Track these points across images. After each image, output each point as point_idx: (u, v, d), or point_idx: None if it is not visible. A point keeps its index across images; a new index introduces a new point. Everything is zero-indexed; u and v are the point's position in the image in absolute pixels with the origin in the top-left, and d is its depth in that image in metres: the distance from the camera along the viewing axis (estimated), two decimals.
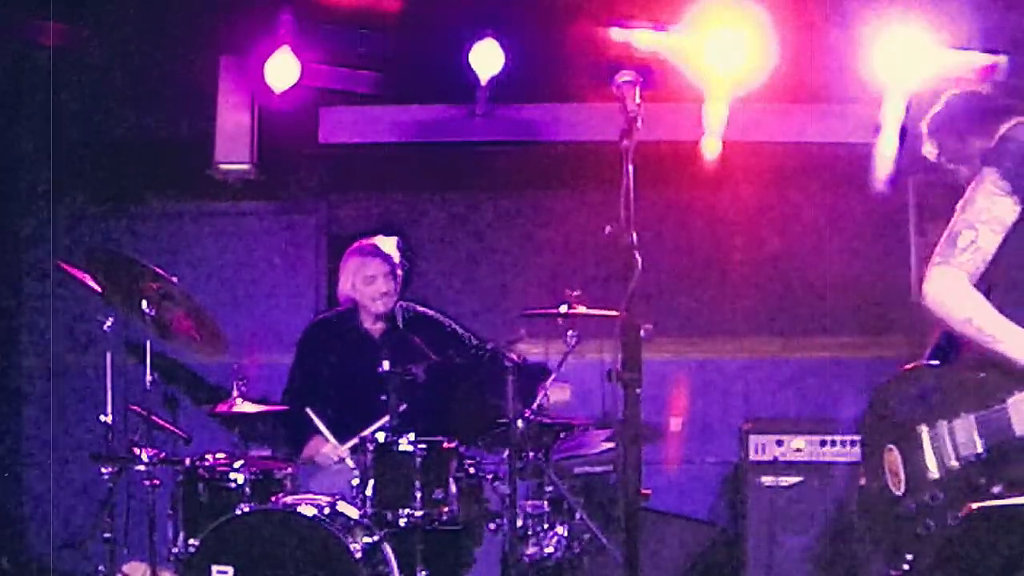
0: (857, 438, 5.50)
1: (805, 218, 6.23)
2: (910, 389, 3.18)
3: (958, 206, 3.12)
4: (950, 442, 3.05)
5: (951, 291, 3.07)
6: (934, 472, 3.07)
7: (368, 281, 5.40)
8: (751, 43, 5.28)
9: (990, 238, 3.06)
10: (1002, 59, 5.17)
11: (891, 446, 3.16)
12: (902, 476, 3.12)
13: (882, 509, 3.19)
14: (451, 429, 5.07)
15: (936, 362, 3.24)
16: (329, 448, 5.15)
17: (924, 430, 3.11)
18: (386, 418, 4.90)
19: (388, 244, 5.50)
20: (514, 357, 4.93)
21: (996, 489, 2.98)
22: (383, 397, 5.05)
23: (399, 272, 5.47)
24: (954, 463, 3.04)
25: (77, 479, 6.09)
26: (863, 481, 3.30)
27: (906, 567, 3.10)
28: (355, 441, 5.01)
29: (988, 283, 3.10)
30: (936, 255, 3.13)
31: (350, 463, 4.99)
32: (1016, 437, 2.95)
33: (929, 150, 3.43)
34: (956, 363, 3.16)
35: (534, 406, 4.97)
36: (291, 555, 4.49)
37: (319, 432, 5.21)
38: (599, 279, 5.54)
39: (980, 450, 2.99)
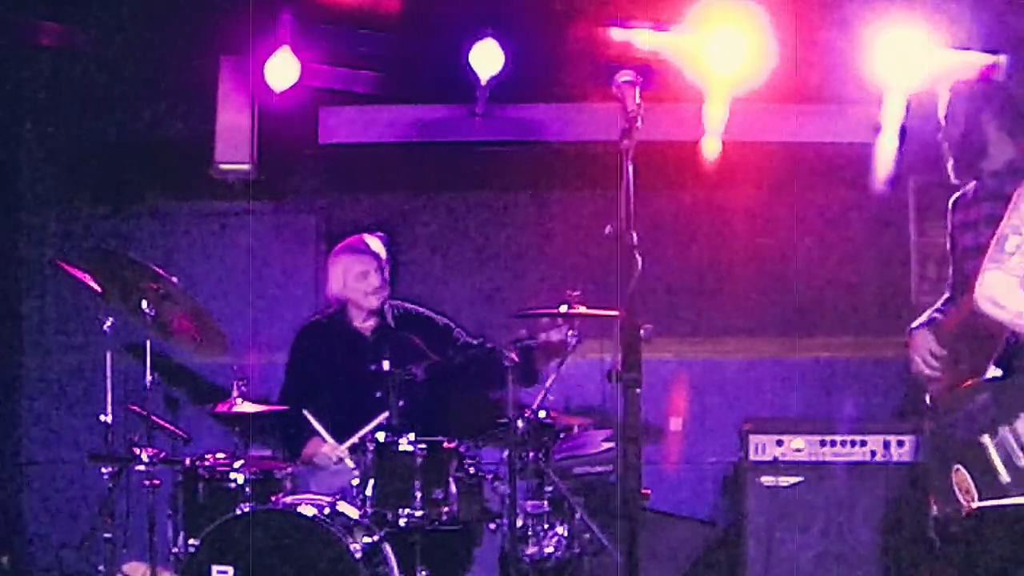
0: (858, 438, 5.55)
1: (805, 218, 6.23)
2: (966, 406, 3.28)
3: (1006, 213, 3.27)
4: (1016, 443, 3.15)
5: (1001, 291, 3.22)
6: (1004, 476, 3.17)
7: (360, 277, 5.41)
8: (751, 43, 5.28)
9: None
10: (1002, 59, 5.17)
11: (957, 467, 3.26)
12: (974, 490, 3.21)
13: (963, 528, 3.28)
14: (449, 428, 5.07)
15: (996, 374, 3.34)
16: (328, 448, 5.15)
17: (987, 439, 3.20)
18: (383, 416, 4.91)
19: (375, 242, 5.51)
20: (514, 357, 4.93)
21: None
22: (377, 395, 5.06)
23: (387, 268, 5.48)
24: (1023, 462, 3.14)
25: (77, 479, 6.09)
26: (935, 511, 3.37)
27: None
28: (353, 441, 5.01)
29: None
30: (987, 261, 3.28)
31: (349, 463, 4.99)
32: None
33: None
34: (1007, 372, 3.28)
35: (534, 406, 4.96)
36: (291, 555, 4.49)
37: (317, 433, 5.21)
38: (599, 279, 5.53)
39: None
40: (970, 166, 4.20)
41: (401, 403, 4.92)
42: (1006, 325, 3.23)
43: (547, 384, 5.16)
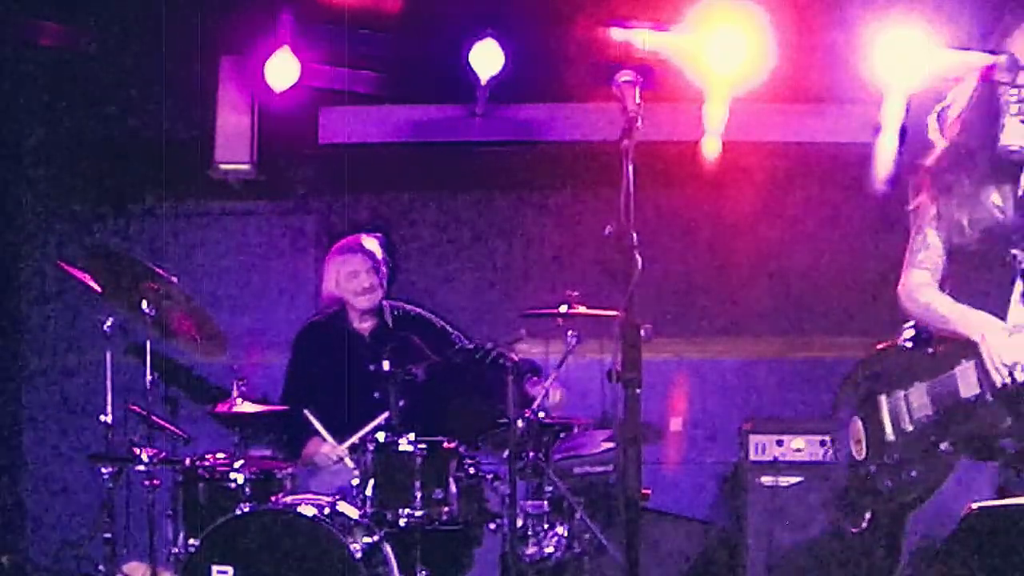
0: None
1: (805, 218, 6.23)
2: (875, 367, 3.60)
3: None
4: (905, 407, 3.43)
5: (918, 288, 3.51)
6: (890, 435, 3.45)
7: (350, 277, 5.40)
8: (751, 43, 5.28)
9: (934, 236, 3.50)
10: (1002, 59, 5.16)
11: (855, 417, 3.57)
12: (864, 442, 3.51)
13: (849, 474, 3.57)
14: (449, 430, 5.07)
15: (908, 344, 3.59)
16: (328, 448, 5.15)
17: (883, 399, 3.50)
18: (382, 416, 4.91)
19: (370, 242, 5.50)
20: (514, 357, 4.94)
21: (944, 446, 3.32)
22: (376, 395, 5.06)
23: (383, 269, 5.46)
24: (908, 426, 3.41)
25: (77, 479, 6.08)
26: (832, 452, 3.72)
27: (864, 524, 3.50)
28: (353, 440, 5.01)
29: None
30: (905, 261, 3.60)
31: (349, 463, 4.99)
32: (962, 399, 3.29)
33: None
34: (919, 344, 3.54)
35: (534, 406, 4.96)
36: (291, 555, 4.49)
37: (317, 433, 5.21)
38: (599, 279, 5.53)
39: (931, 412, 3.36)
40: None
41: (401, 403, 4.92)
42: (918, 319, 3.49)
43: (547, 384, 5.16)
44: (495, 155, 6.23)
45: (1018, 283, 3.31)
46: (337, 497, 4.75)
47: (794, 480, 5.53)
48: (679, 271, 6.29)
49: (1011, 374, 3.20)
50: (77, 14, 5.62)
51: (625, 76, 3.18)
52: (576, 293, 5.12)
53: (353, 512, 4.68)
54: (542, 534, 4.93)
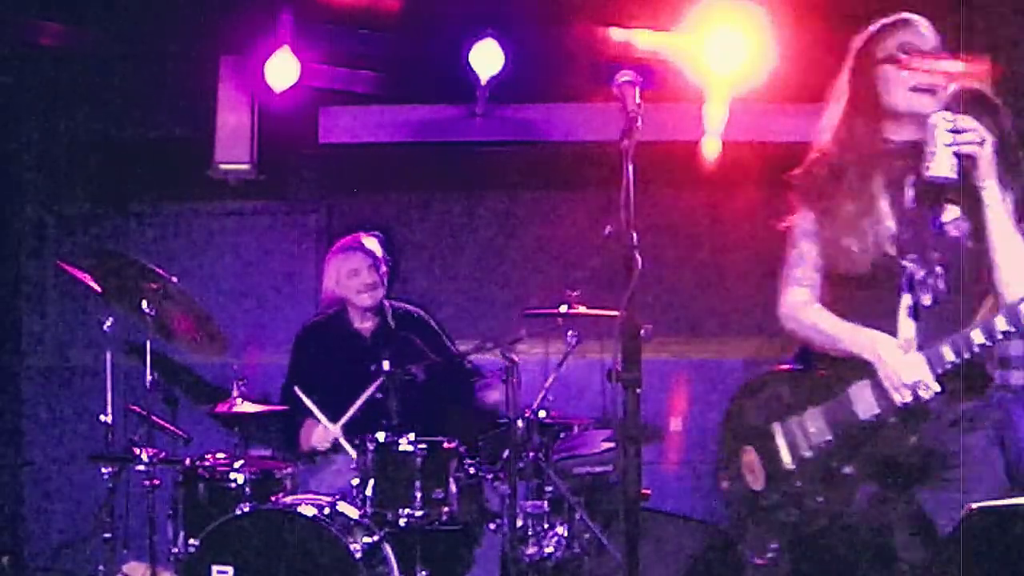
0: None
1: None
2: (761, 394, 3.44)
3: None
4: (801, 433, 3.30)
5: (799, 306, 3.37)
6: (789, 463, 3.32)
7: (351, 275, 5.40)
8: (751, 43, 5.28)
9: (811, 248, 3.36)
10: (1001, 60, 5.16)
11: (747, 447, 3.41)
12: (760, 472, 3.36)
13: (747, 505, 3.42)
14: (447, 430, 5.08)
15: (792, 367, 3.48)
16: (321, 431, 5.13)
17: (776, 426, 3.36)
18: (374, 386, 4.91)
19: (370, 241, 5.50)
20: (514, 357, 4.94)
21: (848, 470, 3.22)
22: (378, 395, 5.05)
23: (383, 267, 5.46)
24: (807, 452, 3.29)
25: (77, 479, 6.09)
26: (725, 484, 3.52)
27: (771, 555, 3.35)
28: (346, 418, 5.01)
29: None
30: (781, 279, 3.45)
31: (345, 444, 4.98)
32: (861, 421, 3.20)
33: None
34: (807, 367, 3.41)
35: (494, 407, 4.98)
36: (291, 555, 4.49)
37: (310, 417, 5.19)
38: (599, 279, 5.53)
39: (829, 436, 3.25)
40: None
41: (401, 403, 4.92)
42: (803, 339, 3.38)
43: (547, 384, 5.16)
44: (495, 155, 6.24)
45: (905, 296, 3.22)
46: (337, 497, 4.75)
47: None
48: (679, 271, 6.29)
49: (914, 393, 3.12)
50: (77, 14, 5.62)
51: (625, 76, 3.18)
52: (576, 293, 5.12)
53: (353, 512, 4.68)
54: (542, 534, 4.93)
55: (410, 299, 5.71)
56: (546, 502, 4.99)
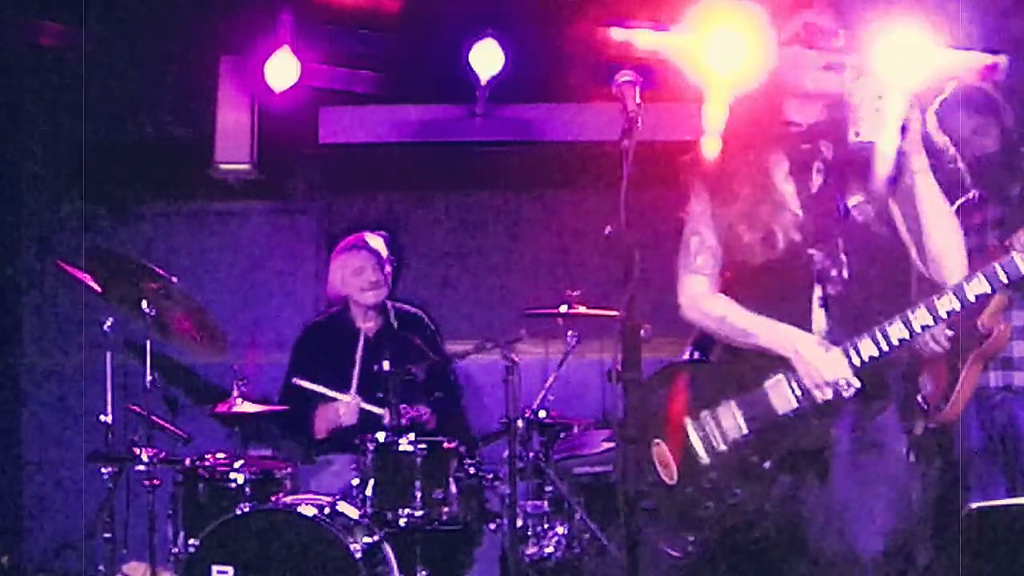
0: None
1: None
2: (667, 387, 3.32)
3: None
4: (716, 427, 3.21)
5: (701, 296, 3.27)
6: (704, 458, 3.21)
7: (357, 272, 5.40)
8: (751, 43, 5.27)
9: (711, 236, 3.26)
10: (1002, 59, 5.16)
11: (658, 441, 3.28)
12: (673, 467, 3.25)
13: (661, 500, 3.30)
14: (446, 431, 5.08)
15: (697, 359, 3.44)
16: (344, 407, 5.13)
17: (688, 420, 3.25)
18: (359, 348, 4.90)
19: (375, 240, 5.50)
20: (514, 357, 4.94)
21: (767, 465, 3.14)
22: (379, 395, 5.06)
23: (387, 266, 5.46)
24: (722, 446, 3.19)
25: (77, 479, 6.08)
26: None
27: (689, 548, 3.27)
28: (355, 384, 5.03)
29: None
30: (678, 268, 3.35)
31: (371, 407, 5.01)
32: (779, 416, 3.12)
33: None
34: (712, 358, 3.33)
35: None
36: (291, 555, 4.49)
37: (319, 400, 5.20)
38: (599, 279, 5.53)
39: (745, 431, 3.17)
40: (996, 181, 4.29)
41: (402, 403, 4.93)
42: (709, 331, 3.27)
43: (547, 384, 5.16)
44: (495, 155, 6.24)
45: (816, 287, 3.15)
46: (337, 497, 4.75)
47: None
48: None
49: (835, 391, 3.06)
50: (77, 14, 5.61)
51: (625, 76, 3.17)
52: (576, 293, 5.12)
53: (353, 512, 4.68)
54: (542, 534, 4.94)
55: (410, 299, 5.71)
56: (546, 502, 4.99)
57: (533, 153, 6.20)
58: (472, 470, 4.85)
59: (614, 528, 5.01)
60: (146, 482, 4.86)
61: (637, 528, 2.86)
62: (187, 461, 4.85)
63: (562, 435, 5.20)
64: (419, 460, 4.68)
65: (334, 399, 5.18)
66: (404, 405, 4.96)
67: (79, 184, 6.40)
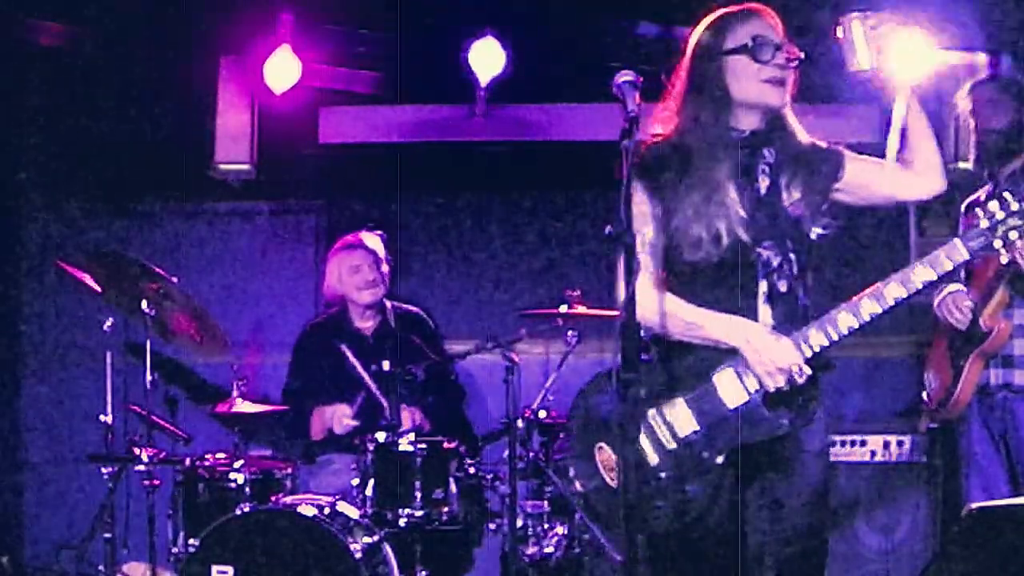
0: (858, 438, 5.54)
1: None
2: (610, 389, 3.20)
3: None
4: (664, 425, 3.18)
5: (645, 293, 3.20)
6: (652, 458, 3.17)
7: (353, 271, 5.40)
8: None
9: (653, 236, 3.23)
10: (1002, 59, 5.17)
11: (601, 445, 3.25)
12: (620, 469, 3.17)
13: (609, 504, 3.28)
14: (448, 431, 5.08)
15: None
16: (339, 409, 5.13)
17: None
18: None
19: (372, 239, 5.50)
20: (514, 357, 4.94)
21: (719, 460, 3.12)
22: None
23: (384, 265, 5.46)
24: (672, 444, 3.16)
25: (77, 479, 6.08)
26: (579, 486, 3.36)
27: (577, 551, 3.19)
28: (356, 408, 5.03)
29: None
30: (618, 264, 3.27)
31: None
32: (729, 410, 3.12)
33: None
34: (652, 356, 3.29)
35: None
36: (291, 555, 4.50)
37: (319, 406, 5.19)
38: (599, 279, 5.53)
39: (696, 427, 3.15)
40: (996, 160, 4.30)
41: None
42: (654, 326, 3.22)
43: (547, 384, 5.16)
44: (495, 155, 6.23)
45: (762, 282, 3.18)
46: (337, 497, 4.75)
47: None
48: None
49: (789, 379, 3.07)
50: (77, 14, 5.61)
51: (625, 76, 3.18)
52: (576, 293, 5.12)
53: (353, 512, 4.68)
54: (542, 534, 4.93)
55: (410, 299, 5.71)
56: (546, 502, 4.99)
57: (533, 153, 6.20)
58: (472, 470, 4.85)
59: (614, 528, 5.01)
60: (146, 482, 4.87)
61: (637, 528, 2.86)
62: (187, 461, 4.86)
63: (562, 435, 5.19)
64: (419, 460, 4.68)
65: (331, 402, 5.18)
66: (402, 406, 4.97)
67: (79, 184, 6.40)
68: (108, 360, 5.17)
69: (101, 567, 5.06)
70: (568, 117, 6.08)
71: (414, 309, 5.59)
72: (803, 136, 3.35)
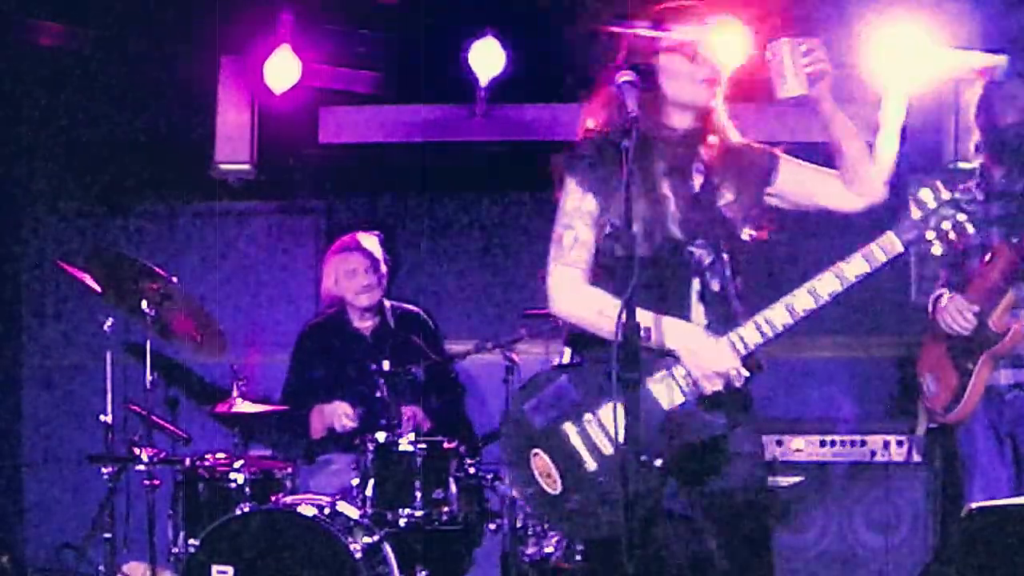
0: (858, 438, 5.54)
1: (804, 218, 6.21)
2: (542, 394, 3.22)
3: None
4: (600, 430, 3.13)
5: (576, 289, 3.21)
6: (591, 463, 3.13)
7: (349, 275, 5.38)
8: (751, 43, 5.27)
9: (586, 232, 3.21)
10: (1002, 59, 5.17)
11: (536, 451, 3.19)
12: (556, 476, 3.16)
13: (548, 511, 3.23)
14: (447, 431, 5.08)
15: (570, 361, 3.33)
16: (339, 407, 5.12)
17: (569, 426, 3.16)
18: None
19: (369, 240, 5.48)
20: (514, 357, 4.94)
21: (658, 463, 3.07)
22: (378, 395, 5.06)
23: (381, 267, 5.44)
24: (610, 450, 3.10)
25: (77, 479, 6.09)
26: (516, 493, 3.34)
27: (579, 557, 3.16)
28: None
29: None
30: (549, 262, 3.29)
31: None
32: (665, 413, 3.09)
33: None
34: (587, 360, 3.26)
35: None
36: (291, 555, 4.50)
37: (317, 405, 5.19)
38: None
39: (634, 431, 3.06)
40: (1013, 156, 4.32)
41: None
42: (585, 324, 3.21)
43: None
44: (495, 155, 6.23)
45: (695, 280, 3.18)
46: (337, 497, 4.75)
47: (794, 480, 5.53)
48: None
49: (726, 382, 3.06)
50: (77, 14, 5.61)
51: (625, 76, 3.18)
52: None
53: (353, 512, 4.68)
54: (542, 534, 4.93)
55: (410, 299, 5.71)
56: None
57: (533, 153, 6.18)
58: (472, 470, 4.84)
59: None
60: (146, 482, 4.87)
61: (637, 528, 2.85)
62: (187, 461, 4.85)
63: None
64: (419, 460, 4.67)
65: (330, 400, 5.18)
66: (402, 406, 4.97)
67: (79, 184, 6.41)
68: (108, 360, 5.17)
69: (101, 567, 5.06)
70: (568, 117, 6.07)
71: (414, 308, 5.59)
72: (735, 136, 3.35)
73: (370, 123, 6.22)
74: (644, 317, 3.06)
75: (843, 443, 5.53)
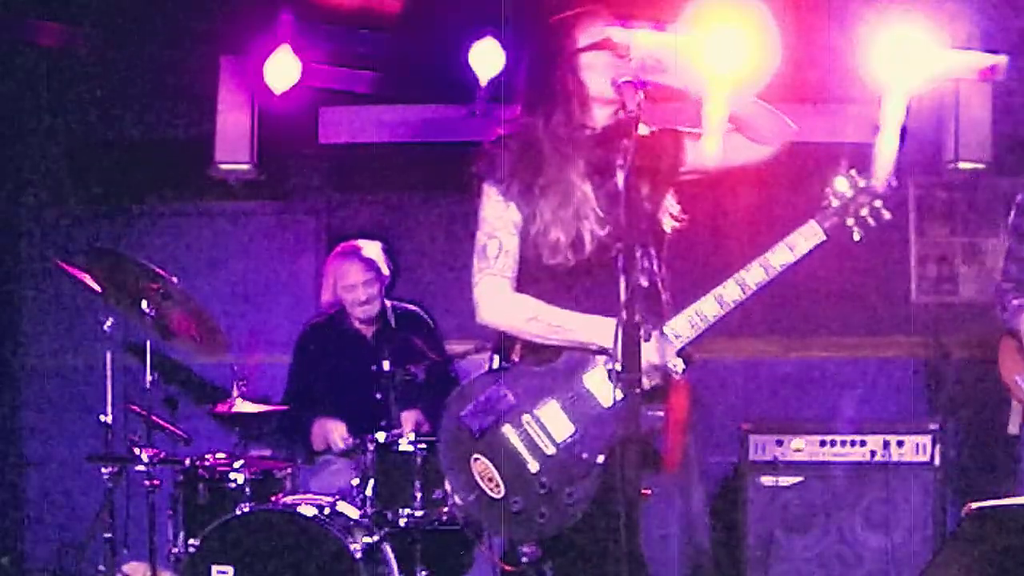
0: (858, 438, 5.55)
1: (805, 218, 6.21)
2: (477, 400, 3.24)
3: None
4: (540, 430, 3.15)
5: (504, 298, 3.29)
6: (533, 464, 3.15)
7: (347, 289, 5.35)
8: (751, 42, 5.27)
9: (511, 240, 3.30)
10: (1002, 59, 5.17)
11: (476, 456, 3.21)
12: (498, 479, 3.18)
13: (491, 516, 3.24)
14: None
15: (502, 365, 3.37)
16: (338, 428, 5.12)
17: (508, 428, 3.18)
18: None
19: (371, 248, 5.44)
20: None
21: (600, 460, 3.09)
22: (379, 396, 5.06)
23: (382, 276, 5.40)
24: (550, 449, 3.13)
25: (77, 479, 6.09)
26: (458, 500, 3.31)
27: (524, 559, 3.25)
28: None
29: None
30: (475, 273, 3.42)
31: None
32: (604, 410, 3.11)
33: None
34: (517, 363, 3.31)
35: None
36: (291, 555, 4.50)
37: (320, 417, 5.19)
38: None
39: (573, 429, 3.13)
40: None
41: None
42: (515, 331, 3.27)
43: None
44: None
45: (622, 279, 3.09)
46: (337, 497, 4.75)
47: (794, 480, 5.53)
48: (679, 271, 6.26)
49: (664, 375, 3.11)
50: (77, 14, 5.61)
51: (625, 76, 3.18)
52: None
53: (353, 512, 4.68)
54: None
55: (410, 299, 5.71)
56: None
57: None
58: None
59: None
60: (146, 482, 4.87)
61: (637, 528, 2.85)
62: (187, 461, 4.85)
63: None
64: (419, 460, 4.68)
65: (331, 412, 5.17)
66: (403, 412, 4.98)
67: (79, 184, 6.41)
68: (108, 360, 5.17)
69: (101, 567, 5.06)
70: None
71: (413, 308, 5.59)
72: (644, 128, 3.28)
73: (370, 123, 6.22)
74: (574, 318, 3.14)
75: (843, 443, 5.52)
